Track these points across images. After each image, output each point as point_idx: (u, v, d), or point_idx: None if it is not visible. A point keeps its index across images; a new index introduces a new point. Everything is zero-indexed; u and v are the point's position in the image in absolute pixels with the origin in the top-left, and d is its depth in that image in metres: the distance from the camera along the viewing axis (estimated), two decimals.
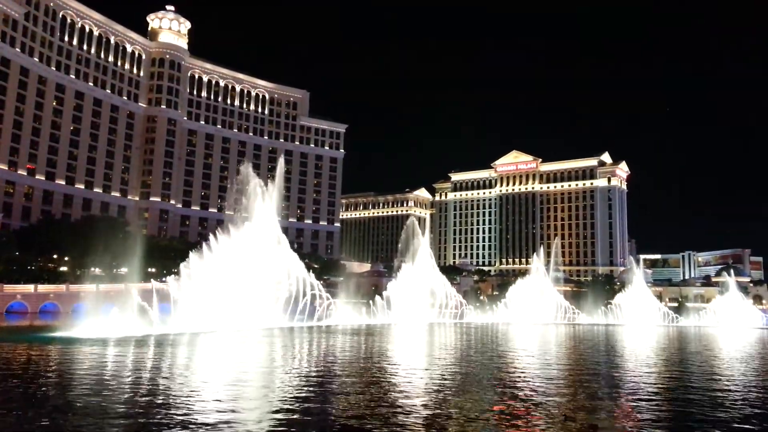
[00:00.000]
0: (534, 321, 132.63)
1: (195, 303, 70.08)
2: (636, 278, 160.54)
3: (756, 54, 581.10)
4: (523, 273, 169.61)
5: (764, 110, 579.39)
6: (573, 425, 25.00)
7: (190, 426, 23.32)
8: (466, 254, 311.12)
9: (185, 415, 25.29)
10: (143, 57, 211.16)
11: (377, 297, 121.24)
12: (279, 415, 25.91)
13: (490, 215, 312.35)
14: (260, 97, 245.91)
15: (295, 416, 25.95)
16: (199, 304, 70.35)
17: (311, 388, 33.39)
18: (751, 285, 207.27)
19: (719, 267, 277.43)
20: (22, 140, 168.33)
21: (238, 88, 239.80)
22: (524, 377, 40.65)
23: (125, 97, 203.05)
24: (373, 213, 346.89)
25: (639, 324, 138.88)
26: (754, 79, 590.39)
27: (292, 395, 31.04)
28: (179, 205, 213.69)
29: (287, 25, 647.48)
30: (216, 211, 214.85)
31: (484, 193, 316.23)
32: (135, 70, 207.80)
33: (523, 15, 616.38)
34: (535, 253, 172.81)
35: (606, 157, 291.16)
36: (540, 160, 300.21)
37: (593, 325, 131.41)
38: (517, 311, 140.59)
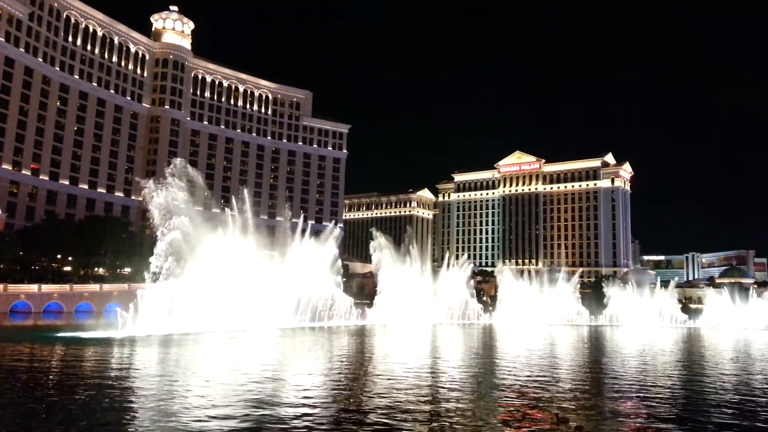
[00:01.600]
0: (533, 322, 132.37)
1: (198, 303, 69.87)
2: (645, 279, 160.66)
3: (758, 53, 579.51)
4: (527, 273, 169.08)
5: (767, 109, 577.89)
6: (564, 427, 24.89)
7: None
8: (469, 255, 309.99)
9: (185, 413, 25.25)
10: (147, 57, 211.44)
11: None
12: (270, 412, 25.83)
13: (493, 216, 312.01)
14: (263, 97, 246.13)
15: (294, 415, 25.86)
16: (203, 305, 70.18)
17: (310, 389, 33.31)
18: (755, 286, 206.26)
19: (723, 268, 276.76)
20: (26, 140, 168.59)
21: (241, 89, 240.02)
22: (523, 377, 40.52)
23: (129, 98, 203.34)
24: (376, 213, 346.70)
25: (642, 325, 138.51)
26: (758, 78, 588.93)
27: (291, 393, 30.97)
28: (182, 206, 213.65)
29: (290, 26, 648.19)
30: (219, 211, 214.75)
31: (487, 193, 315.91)
32: (138, 71, 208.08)
33: (525, 17, 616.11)
34: (538, 254, 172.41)
35: (609, 158, 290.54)
36: (543, 160, 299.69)
37: (597, 326, 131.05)
38: (518, 312, 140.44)
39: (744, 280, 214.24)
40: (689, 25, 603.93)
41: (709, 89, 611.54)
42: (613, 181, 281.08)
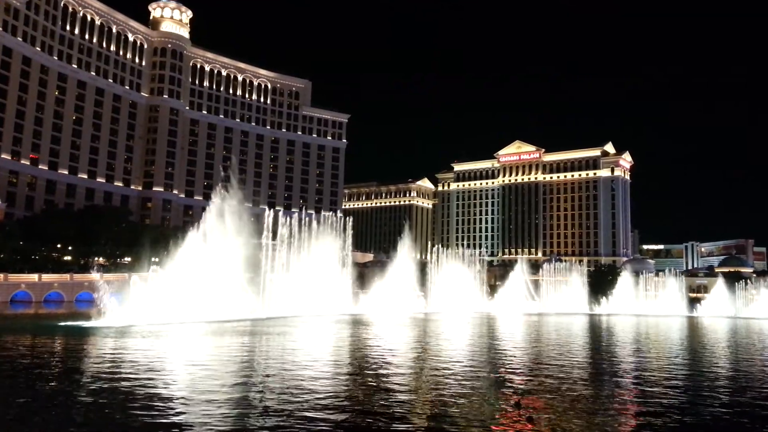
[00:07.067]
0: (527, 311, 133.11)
1: (196, 292, 69.57)
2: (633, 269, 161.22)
3: (758, 41, 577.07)
4: (527, 263, 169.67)
5: (766, 98, 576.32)
6: (521, 412, 25.10)
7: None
8: (468, 244, 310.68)
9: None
10: (145, 46, 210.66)
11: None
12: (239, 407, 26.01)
13: (492, 205, 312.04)
14: (262, 86, 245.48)
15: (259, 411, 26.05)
16: (201, 293, 69.90)
17: (302, 384, 33.50)
18: (754, 275, 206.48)
19: (723, 257, 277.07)
20: (25, 130, 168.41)
21: (240, 78, 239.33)
22: (503, 365, 40.82)
23: (127, 87, 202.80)
24: (376, 203, 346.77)
25: (642, 314, 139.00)
26: (757, 67, 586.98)
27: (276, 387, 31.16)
28: (182, 195, 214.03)
29: (289, 14, 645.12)
30: (220, 200, 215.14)
31: (486, 183, 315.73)
32: (137, 60, 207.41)
33: (525, 5, 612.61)
34: (537, 244, 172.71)
35: (609, 147, 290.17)
36: (543, 150, 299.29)
37: (597, 315, 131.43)
38: (517, 301, 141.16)
39: (743, 269, 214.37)
40: (691, 18, 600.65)
41: (710, 77, 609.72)
42: (612, 170, 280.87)
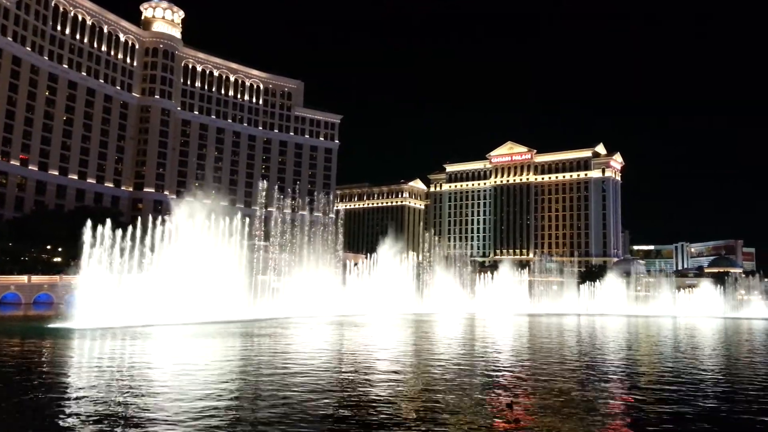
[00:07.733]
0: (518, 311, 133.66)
1: (185, 293, 69.31)
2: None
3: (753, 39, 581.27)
4: (519, 264, 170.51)
5: (756, 100, 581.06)
6: (510, 413, 25.30)
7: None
8: (460, 245, 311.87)
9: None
10: (136, 46, 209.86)
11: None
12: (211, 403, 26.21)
13: (484, 206, 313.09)
14: (254, 87, 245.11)
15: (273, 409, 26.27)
16: (190, 294, 69.69)
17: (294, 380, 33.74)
18: (743, 276, 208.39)
19: (712, 257, 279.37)
20: (15, 130, 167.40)
21: (232, 78, 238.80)
22: (494, 366, 41.19)
23: (118, 87, 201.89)
24: (368, 204, 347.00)
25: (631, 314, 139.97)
26: (748, 68, 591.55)
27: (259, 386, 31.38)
28: (173, 196, 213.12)
29: (281, 15, 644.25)
30: (209, 202, 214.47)
31: (478, 184, 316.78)
32: (128, 60, 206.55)
33: (518, 4, 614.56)
34: (529, 245, 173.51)
35: (600, 149, 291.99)
36: (535, 151, 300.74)
37: (589, 315, 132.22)
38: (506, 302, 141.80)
39: (732, 270, 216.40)
40: (684, 20, 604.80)
41: (701, 79, 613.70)
42: (603, 171, 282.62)
